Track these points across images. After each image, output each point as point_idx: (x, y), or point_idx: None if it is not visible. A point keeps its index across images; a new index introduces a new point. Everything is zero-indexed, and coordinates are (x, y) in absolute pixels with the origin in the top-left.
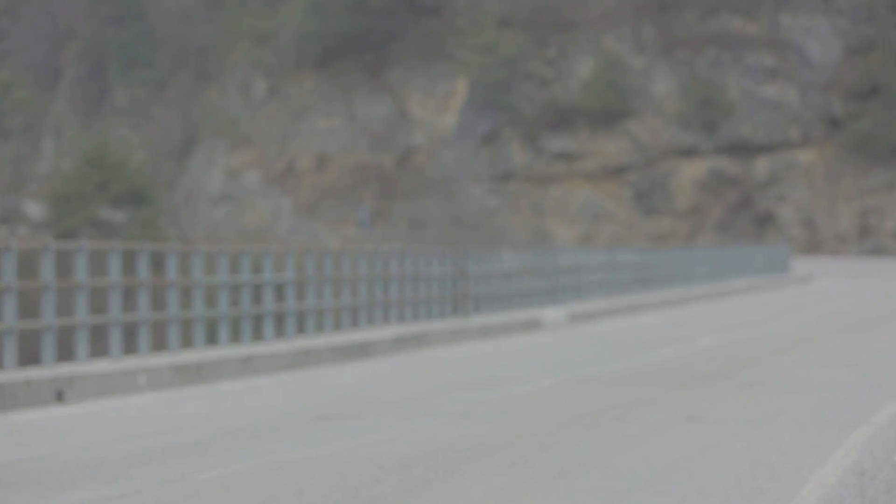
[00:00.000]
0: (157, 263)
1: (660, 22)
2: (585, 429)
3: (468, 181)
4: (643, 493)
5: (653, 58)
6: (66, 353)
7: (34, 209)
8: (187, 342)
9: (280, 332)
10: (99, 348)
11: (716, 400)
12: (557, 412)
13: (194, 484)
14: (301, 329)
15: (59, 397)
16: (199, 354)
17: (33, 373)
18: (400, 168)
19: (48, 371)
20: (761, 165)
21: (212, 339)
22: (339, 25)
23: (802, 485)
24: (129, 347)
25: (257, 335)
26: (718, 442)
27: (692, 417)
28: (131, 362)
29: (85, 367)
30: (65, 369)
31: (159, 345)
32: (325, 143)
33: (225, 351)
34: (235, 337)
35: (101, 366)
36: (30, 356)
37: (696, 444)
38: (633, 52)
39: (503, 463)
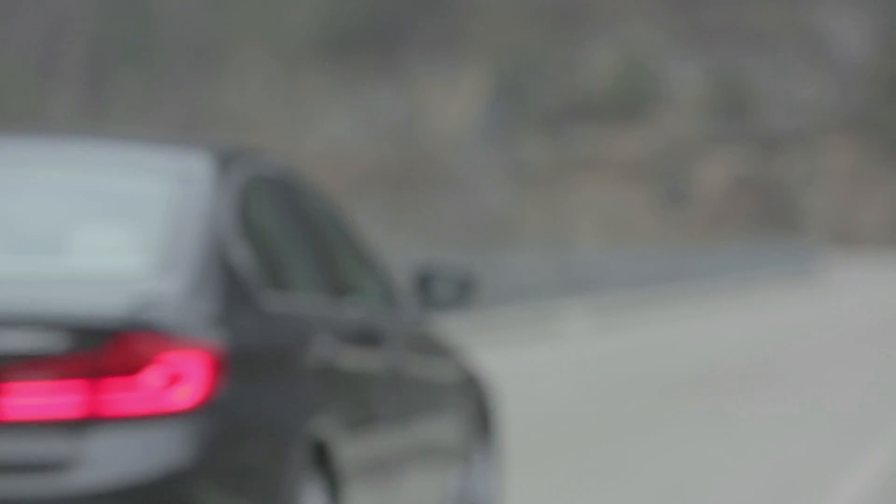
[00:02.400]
0: None
1: (685, 13)
2: (606, 437)
3: (486, 176)
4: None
5: (678, 50)
6: None
7: None
8: None
9: None
10: None
11: (743, 404)
12: (575, 422)
13: None
14: None
15: None
16: None
17: None
18: (415, 162)
19: None
20: (790, 160)
21: None
22: (352, 15)
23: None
24: None
25: None
26: (745, 449)
27: (718, 424)
28: None
29: None
30: None
31: None
32: (337, 136)
33: None
34: None
35: None
36: None
37: (721, 452)
38: (657, 43)
39: (528, 470)
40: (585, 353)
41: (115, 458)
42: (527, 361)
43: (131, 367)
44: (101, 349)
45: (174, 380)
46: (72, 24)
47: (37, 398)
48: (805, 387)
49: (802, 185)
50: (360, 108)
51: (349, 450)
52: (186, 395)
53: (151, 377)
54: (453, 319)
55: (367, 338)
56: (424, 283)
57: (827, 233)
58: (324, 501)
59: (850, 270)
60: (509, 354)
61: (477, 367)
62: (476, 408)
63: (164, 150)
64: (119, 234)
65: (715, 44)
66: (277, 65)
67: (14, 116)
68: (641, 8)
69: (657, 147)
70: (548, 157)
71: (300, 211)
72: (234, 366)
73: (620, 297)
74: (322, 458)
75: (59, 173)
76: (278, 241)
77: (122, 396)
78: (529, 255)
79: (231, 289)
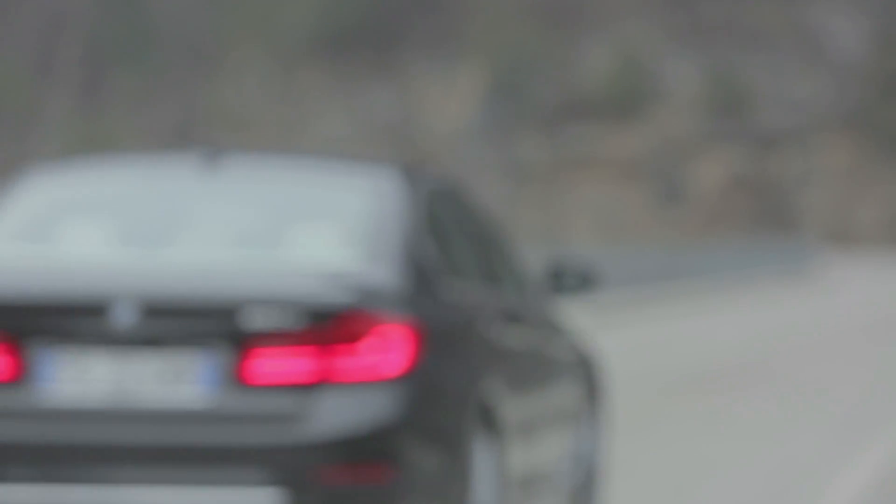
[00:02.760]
0: None
1: (681, 10)
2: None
3: (481, 175)
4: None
5: (674, 47)
6: None
7: None
8: None
9: None
10: None
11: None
12: None
13: None
14: None
15: None
16: None
17: None
18: (412, 161)
19: None
20: (787, 158)
21: None
22: (348, 13)
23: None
24: None
25: None
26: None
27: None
28: None
29: None
30: None
31: None
32: (334, 135)
33: None
34: None
35: None
36: None
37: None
38: (653, 41)
39: None
40: None
41: (337, 414)
42: None
43: (352, 341)
44: (328, 326)
45: (385, 352)
46: (68, 22)
47: (279, 365)
48: (801, 385)
49: (799, 183)
50: (356, 106)
51: (506, 410)
52: (394, 364)
53: (368, 349)
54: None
55: (512, 318)
56: (554, 274)
57: (823, 231)
58: (488, 452)
59: (847, 269)
60: None
61: (588, 346)
62: (587, 380)
63: (359, 167)
64: (334, 234)
65: (711, 42)
66: (274, 63)
67: (10, 114)
68: (638, 6)
69: (653, 145)
70: (544, 155)
71: (463, 216)
72: (427, 340)
73: (617, 295)
74: (486, 417)
75: (283, 188)
76: (451, 239)
77: (344, 365)
78: (526, 253)
79: (422, 276)
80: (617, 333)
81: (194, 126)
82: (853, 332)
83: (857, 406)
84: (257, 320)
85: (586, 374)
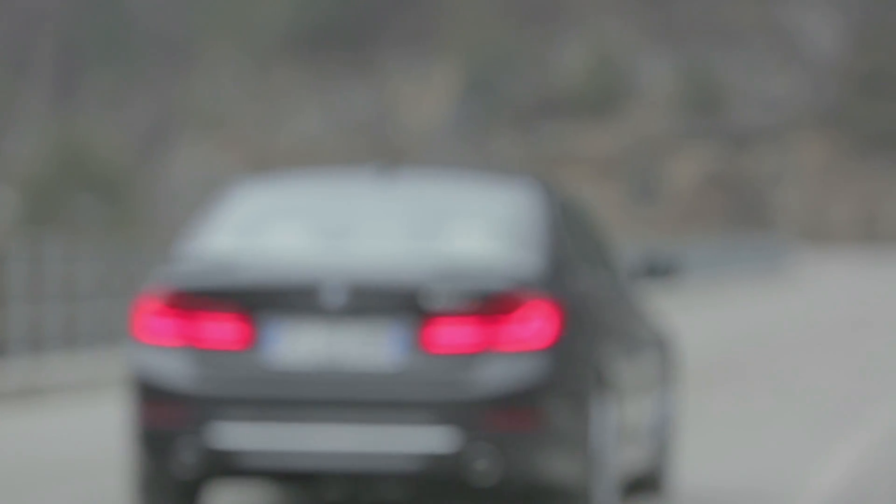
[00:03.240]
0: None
1: (656, 8)
2: None
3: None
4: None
5: (649, 45)
6: None
7: (7, 197)
8: None
9: None
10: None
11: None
12: None
13: None
14: None
15: None
16: None
17: None
18: (386, 158)
19: None
20: (761, 156)
21: None
22: (323, 11)
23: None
24: None
25: None
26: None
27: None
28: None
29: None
30: None
31: None
32: (309, 132)
33: None
34: None
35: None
36: None
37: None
38: (628, 39)
39: None
40: None
41: (499, 376)
42: None
43: (510, 317)
44: (492, 304)
45: (536, 326)
46: (43, 20)
47: (452, 336)
48: (775, 383)
49: (773, 181)
50: (331, 103)
51: (611, 374)
52: (543, 336)
53: (523, 324)
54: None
55: (613, 300)
56: (642, 264)
57: (798, 229)
58: (600, 407)
59: (821, 267)
60: None
61: (664, 326)
62: (664, 354)
63: (505, 179)
64: (491, 231)
65: (686, 40)
66: (249, 61)
67: None
68: (613, 4)
69: (628, 143)
70: (519, 153)
71: (578, 218)
72: (565, 316)
73: None
74: (599, 379)
75: (447, 195)
76: (573, 236)
77: (504, 336)
78: None
79: (560, 264)
80: None
81: (170, 123)
82: (825, 332)
83: (830, 404)
84: (435, 299)
85: (663, 349)
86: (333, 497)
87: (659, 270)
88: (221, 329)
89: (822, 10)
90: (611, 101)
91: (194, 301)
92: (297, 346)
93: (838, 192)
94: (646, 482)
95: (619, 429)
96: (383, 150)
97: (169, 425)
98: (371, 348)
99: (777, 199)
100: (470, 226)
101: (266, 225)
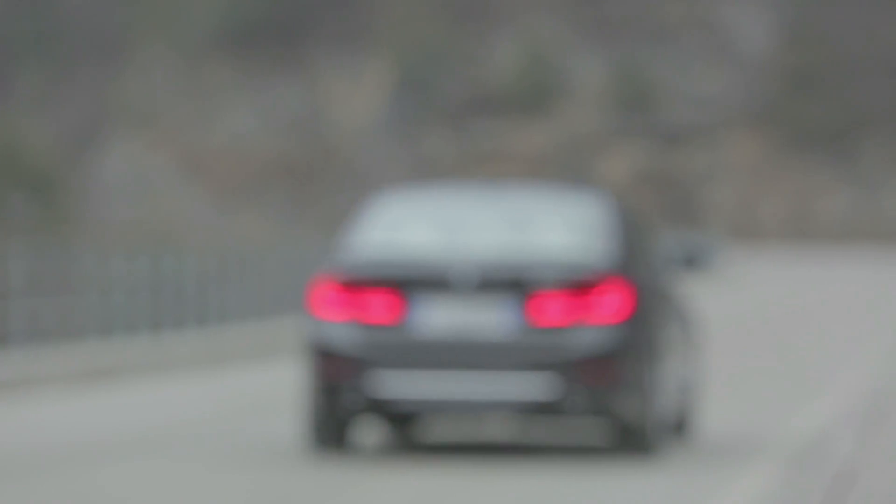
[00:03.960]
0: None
1: (589, 5)
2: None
3: (387, 170)
4: None
5: (581, 42)
6: None
7: None
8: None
9: (201, 326)
10: None
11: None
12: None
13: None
14: (218, 326)
15: None
16: (108, 353)
17: None
18: (317, 157)
19: None
20: (692, 153)
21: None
22: (255, 8)
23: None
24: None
25: (172, 333)
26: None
27: None
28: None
29: None
30: None
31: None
32: (239, 131)
33: (137, 349)
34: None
35: None
36: None
37: None
38: (560, 36)
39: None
40: None
41: (588, 343)
42: None
43: (598, 296)
44: (582, 286)
45: (615, 303)
46: None
47: (551, 311)
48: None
49: (704, 179)
50: (263, 101)
51: (660, 340)
52: (620, 312)
53: (605, 302)
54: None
55: (658, 282)
56: (679, 253)
57: (728, 227)
58: (654, 367)
59: (751, 265)
60: None
61: (689, 304)
62: (689, 327)
63: (583, 189)
64: (578, 229)
65: (618, 38)
66: (181, 58)
67: None
68: (545, 2)
69: (560, 140)
70: (451, 150)
71: (632, 217)
72: (636, 296)
73: None
74: (652, 344)
75: (542, 202)
76: (633, 233)
77: (592, 311)
78: None
79: (630, 255)
80: None
81: (102, 121)
82: (755, 329)
83: (755, 403)
84: (538, 281)
85: (690, 324)
86: (457, 436)
87: (693, 261)
88: (379, 307)
89: (754, 8)
90: (543, 99)
91: (358, 286)
92: (435, 319)
93: (769, 190)
94: (676, 425)
95: (664, 382)
96: (315, 148)
97: (339, 380)
98: (490, 320)
99: (708, 197)
100: (558, 225)
101: (405, 225)
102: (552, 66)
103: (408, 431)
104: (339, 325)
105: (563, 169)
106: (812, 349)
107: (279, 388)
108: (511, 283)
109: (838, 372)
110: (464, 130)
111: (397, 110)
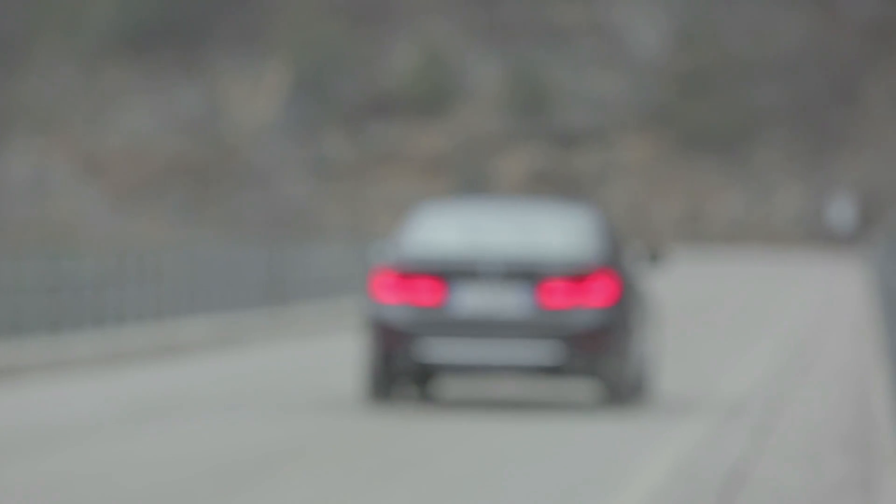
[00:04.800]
0: None
1: (485, 9)
2: (407, 428)
3: (286, 172)
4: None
5: (477, 45)
6: None
7: None
8: None
9: (96, 328)
10: None
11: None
12: (378, 412)
13: None
14: (116, 327)
15: None
16: (5, 354)
17: None
18: (216, 158)
19: None
20: (587, 155)
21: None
22: (153, 11)
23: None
24: None
25: (70, 334)
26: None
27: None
28: None
29: None
30: None
31: None
32: (139, 132)
33: (35, 349)
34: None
35: None
36: None
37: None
38: (456, 39)
39: (325, 462)
40: None
41: (584, 321)
42: (330, 351)
43: (590, 282)
44: (579, 277)
45: (604, 291)
46: None
47: (556, 296)
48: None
49: (599, 180)
50: (160, 102)
51: (635, 320)
52: (608, 298)
53: (597, 290)
54: (260, 315)
55: (632, 274)
56: (644, 252)
57: (622, 228)
58: (631, 339)
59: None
60: (313, 345)
61: (652, 292)
62: (651, 311)
63: (577, 202)
64: (575, 233)
65: (513, 41)
66: (79, 60)
67: None
68: (441, 5)
69: (456, 142)
70: (348, 151)
71: (612, 224)
72: (620, 285)
73: None
74: (630, 322)
75: (545, 213)
76: (616, 238)
77: (586, 297)
78: (331, 249)
79: (615, 254)
80: None
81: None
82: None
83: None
84: (547, 272)
85: (651, 306)
86: (481, 392)
87: (656, 257)
88: (426, 292)
89: (646, 12)
90: (439, 101)
91: (408, 275)
92: (468, 302)
93: (662, 192)
94: (641, 384)
95: (637, 351)
96: (214, 149)
97: (393, 348)
98: (510, 303)
99: (602, 198)
100: (559, 231)
101: (442, 230)
102: (449, 68)
103: (439, 390)
104: (394, 306)
105: (461, 170)
106: (725, 332)
107: (183, 388)
108: (525, 275)
109: (753, 346)
110: (361, 132)
111: (295, 112)
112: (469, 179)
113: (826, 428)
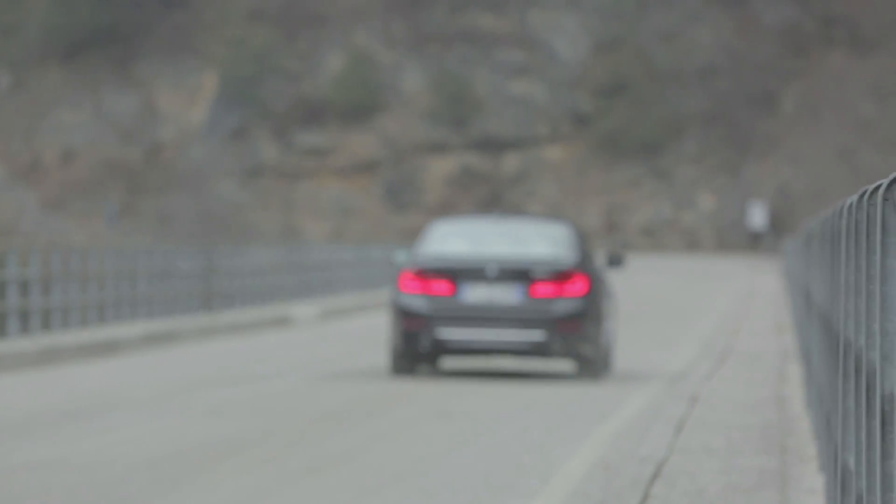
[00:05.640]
0: None
1: (410, 17)
2: (335, 426)
3: (217, 176)
4: (392, 490)
5: (403, 53)
6: None
7: None
8: None
9: (25, 329)
10: None
11: (465, 395)
12: (307, 409)
13: None
14: (47, 326)
15: None
16: None
17: None
18: (148, 163)
19: None
20: (510, 161)
21: None
22: (85, 18)
23: (550, 478)
24: None
25: (0, 333)
26: (468, 437)
27: (442, 413)
28: None
29: None
30: None
31: None
32: (72, 137)
33: None
34: None
35: None
36: None
37: (447, 439)
38: (383, 47)
39: (254, 460)
40: (312, 337)
41: (564, 309)
42: (261, 345)
43: (568, 281)
44: (560, 275)
45: (579, 285)
46: None
47: (544, 290)
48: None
49: (521, 184)
50: (92, 108)
51: (603, 308)
52: (582, 290)
53: (573, 284)
54: (193, 316)
55: (599, 272)
56: (607, 255)
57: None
58: (601, 324)
59: None
60: (246, 341)
61: (612, 285)
62: (612, 300)
63: (557, 218)
64: (555, 242)
65: (438, 48)
66: (11, 66)
67: None
68: (368, 13)
69: (383, 147)
70: (277, 156)
71: (583, 234)
72: (591, 281)
73: (347, 288)
74: (600, 308)
75: (533, 227)
76: (587, 244)
77: (565, 289)
78: (262, 252)
79: (587, 258)
80: (343, 322)
81: None
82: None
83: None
84: (535, 272)
85: (612, 297)
86: (485, 363)
87: (614, 260)
88: (440, 287)
89: (566, 23)
90: (367, 108)
91: (427, 274)
92: (473, 295)
93: (583, 200)
94: (605, 361)
95: (604, 334)
96: (145, 155)
97: (416, 329)
98: (506, 296)
99: (525, 205)
100: (544, 240)
101: (452, 240)
102: (376, 76)
103: (449, 364)
104: (415, 296)
105: (387, 174)
106: (666, 318)
107: (117, 385)
108: (518, 274)
109: (689, 331)
110: (289, 138)
111: (226, 117)
112: (396, 183)
113: (748, 384)
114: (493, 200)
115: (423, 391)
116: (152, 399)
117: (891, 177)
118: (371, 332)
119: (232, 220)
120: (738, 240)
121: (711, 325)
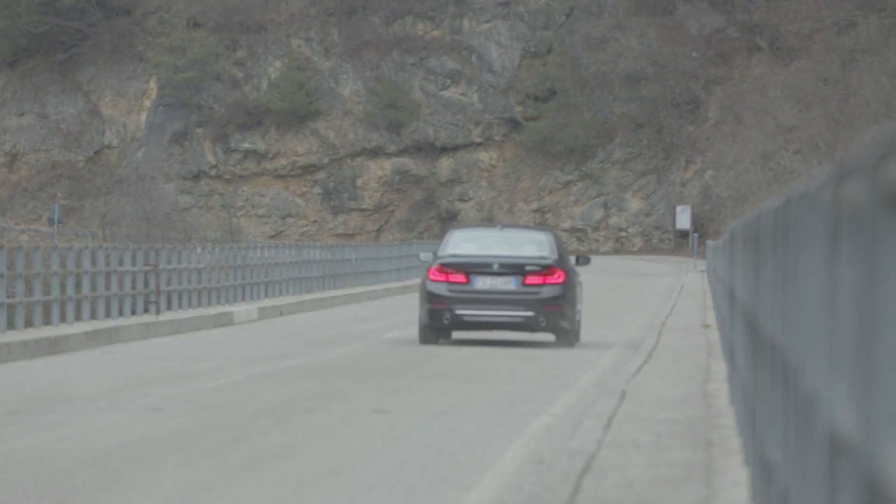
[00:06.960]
0: None
1: (347, 25)
2: (275, 422)
3: (159, 179)
4: (331, 483)
5: (340, 60)
6: None
7: None
8: None
9: None
10: None
11: (401, 392)
12: (248, 405)
13: None
14: None
15: None
16: None
17: None
18: (91, 166)
19: None
20: (444, 165)
21: None
22: (28, 24)
23: (484, 473)
24: None
25: None
26: (404, 433)
27: (379, 409)
28: None
29: None
30: None
31: None
32: (16, 141)
33: None
34: None
35: None
36: None
37: (383, 434)
38: (320, 54)
39: (194, 456)
40: (252, 334)
41: (548, 294)
42: (203, 343)
43: (551, 273)
44: (545, 270)
45: (558, 276)
46: None
47: (534, 280)
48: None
49: (455, 187)
50: (36, 112)
51: (576, 293)
52: (560, 279)
53: (553, 276)
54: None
55: (573, 266)
56: (576, 256)
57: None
58: (576, 305)
59: None
60: (188, 339)
61: (579, 277)
62: (580, 287)
63: (541, 228)
64: (539, 246)
65: (375, 55)
66: None
67: None
68: (305, 20)
69: (321, 151)
70: (218, 160)
71: (559, 239)
72: (567, 274)
73: (287, 290)
74: (575, 293)
75: (524, 234)
76: (562, 246)
77: (548, 279)
78: (203, 253)
79: (564, 257)
80: (282, 320)
81: None
82: None
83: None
84: (528, 268)
85: (580, 285)
86: (488, 335)
87: (581, 260)
88: (456, 277)
89: (501, 28)
90: (305, 113)
91: (447, 268)
92: (482, 284)
93: (514, 202)
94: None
95: (577, 312)
96: (88, 159)
97: (439, 308)
98: (506, 284)
99: (459, 208)
100: (532, 244)
101: (464, 244)
102: (314, 82)
103: (463, 335)
104: (439, 283)
105: (325, 178)
106: (612, 304)
107: (59, 383)
108: (514, 268)
109: (641, 310)
110: (229, 141)
111: (166, 122)
112: (334, 186)
113: (683, 349)
114: (428, 203)
115: (358, 389)
116: (96, 396)
117: (818, 180)
118: (310, 331)
119: (174, 222)
120: (664, 241)
121: (639, 324)
